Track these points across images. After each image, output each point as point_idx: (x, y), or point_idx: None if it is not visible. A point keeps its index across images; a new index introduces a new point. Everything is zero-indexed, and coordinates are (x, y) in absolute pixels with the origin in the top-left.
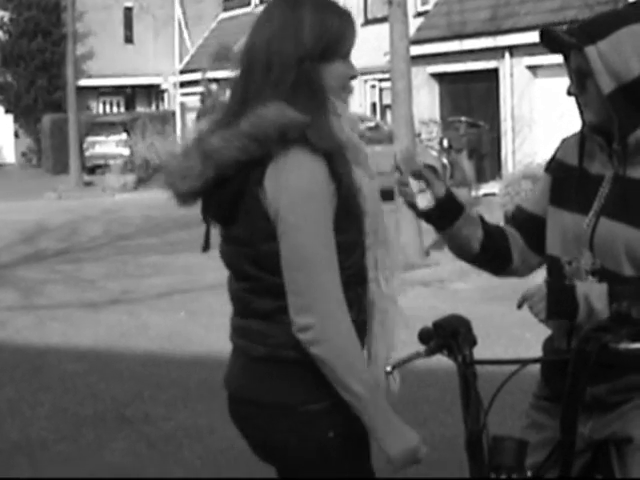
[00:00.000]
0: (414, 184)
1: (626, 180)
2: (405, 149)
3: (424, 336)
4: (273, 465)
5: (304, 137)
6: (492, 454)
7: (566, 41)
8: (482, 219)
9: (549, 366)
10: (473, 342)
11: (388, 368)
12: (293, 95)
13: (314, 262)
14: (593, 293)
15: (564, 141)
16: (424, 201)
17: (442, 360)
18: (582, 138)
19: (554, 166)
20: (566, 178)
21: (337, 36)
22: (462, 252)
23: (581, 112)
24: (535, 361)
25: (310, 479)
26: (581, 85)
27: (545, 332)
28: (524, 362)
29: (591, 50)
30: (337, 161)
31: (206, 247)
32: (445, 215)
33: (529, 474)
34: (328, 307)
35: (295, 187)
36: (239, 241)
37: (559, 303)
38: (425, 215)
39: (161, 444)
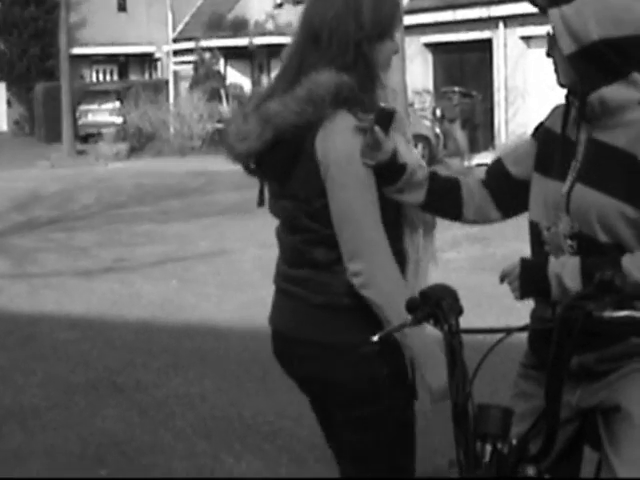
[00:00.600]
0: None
1: (595, 143)
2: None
3: (411, 306)
4: (320, 398)
5: (352, 102)
6: (477, 422)
7: (537, 3)
8: (433, 177)
9: (536, 335)
10: (459, 311)
11: (375, 338)
12: (348, 71)
13: (359, 218)
14: (565, 271)
15: (554, 109)
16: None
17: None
18: (567, 105)
19: (541, 133)
20: (551, 146)
21: (390, 18)
22: (413, 199)
23: (556, 73)
24: (519, 330)
25: None
26: (552, 47)
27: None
28: (509, 331)
29: (554, 12)
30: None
31: (261, 202)
32: (393, 171)
33: (514, 442)
34: (375, 255)
35: (341, 149)
36: (295, 197)
37: (531, 283)
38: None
39: (152, 411)
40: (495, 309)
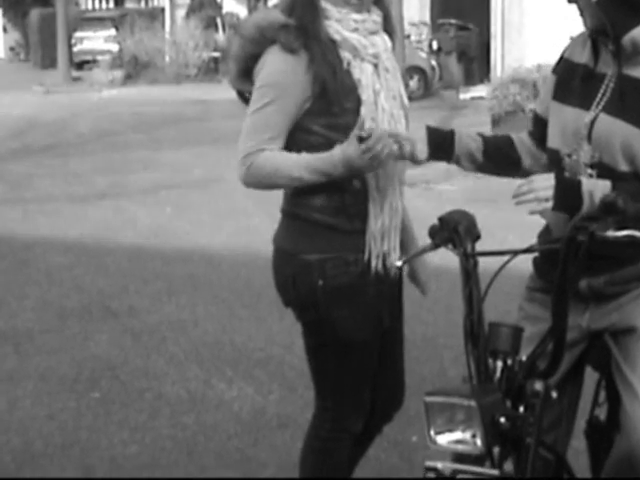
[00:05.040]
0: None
1: (625, 78)
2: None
3: (432, 231)
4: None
5: (281, 39)
6: (488, 340)
7: None
8: (485, 139)
9: (542, 258)
10: (476, 236)
11: (398, 263)
12: (290, 7)
13: (246, 131)
14: (597, 190)
15: (573, 40)
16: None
17: (427, 259)
18: (594, 41)
19: (560, 65)
20: (571, 75)
21: None
22: (471, 167)
23: (582, 17)
24: (527, 251)
25: None
26: None
27: (527, 233)
28: (516, 252)
29: None
30: (317, 56)
31: None
32: (443, 155)
33: (523, 359)
34: (243, 159)
35: (262, 75)
36: None
37: (565, 196)
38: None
39: (145, 337)
40: (488, 241)
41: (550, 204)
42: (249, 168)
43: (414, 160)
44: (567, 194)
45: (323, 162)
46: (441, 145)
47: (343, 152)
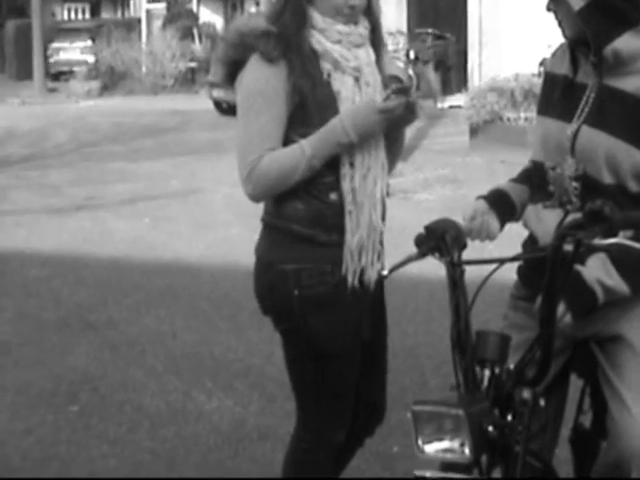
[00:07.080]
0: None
1: (606, 89)
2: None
3: (418, 240)
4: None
5: (261, 46)
6: (476, 348)
7: None
8: (520, 180)
9: (527, 267)
10: (462, 244)
11: (384, 272)
12: (277, 14)
13: (243, 146)
14: (600, 272)
15: (553, 52)
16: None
17: (406, 269)
18: (572, 51)
19: (544, 79)
20: (552, 87)
21: None
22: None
23: (561, 27)
24: (513, 259)
25: None
26: (556, 1)
27: (506, 242)
28: (503, 260)
29: None
30: (296, 67)
31: None
32: (510, 221)
33: (511, 367)
34: (248, 175)
35: (244, 85)
36: None
37: (580, 302)
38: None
39: (124, 349)
40: (467, 250)
41: (570, 319)
42: (257, 182)
43: (491, 239)
44: (580, 299)
45: (327, 141)
46: (509, 213)
47: (350, 111)
